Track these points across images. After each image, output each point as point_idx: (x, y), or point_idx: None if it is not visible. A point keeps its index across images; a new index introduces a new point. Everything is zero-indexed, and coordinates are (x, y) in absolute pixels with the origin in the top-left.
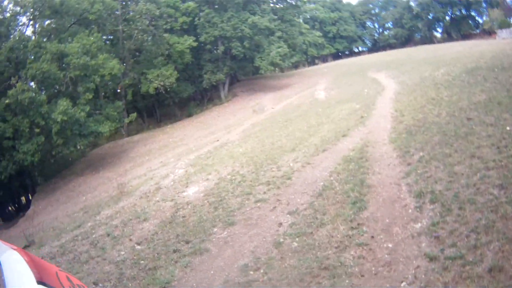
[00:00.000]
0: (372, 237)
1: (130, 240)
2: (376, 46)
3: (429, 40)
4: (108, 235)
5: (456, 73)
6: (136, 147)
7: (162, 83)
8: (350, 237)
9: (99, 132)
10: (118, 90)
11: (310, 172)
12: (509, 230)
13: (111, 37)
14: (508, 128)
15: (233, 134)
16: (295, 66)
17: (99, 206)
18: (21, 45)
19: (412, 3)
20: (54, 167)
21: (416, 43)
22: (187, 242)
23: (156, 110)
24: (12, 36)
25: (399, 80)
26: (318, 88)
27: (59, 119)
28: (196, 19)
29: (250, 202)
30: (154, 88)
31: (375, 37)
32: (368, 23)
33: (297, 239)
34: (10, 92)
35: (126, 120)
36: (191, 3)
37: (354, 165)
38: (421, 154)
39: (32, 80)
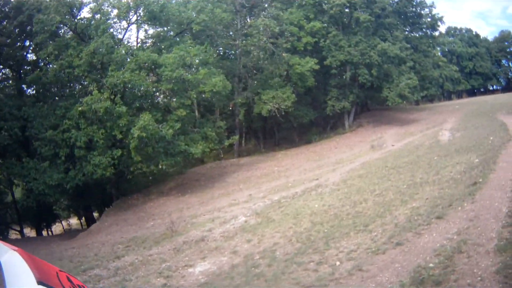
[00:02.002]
0: None
1: None
2: (510, 86)
3: None
4: None
5: None
6: (237, 171)
7: (277, 106)
8: None
9: (189, 152)
10: (230, 108)
11: None
12: None
13: (231, 52)
14: None
15: (336, 173)
16: (431, 99)
17: (144, 242)
18: (104, 50)
19: None
20: (144, 180)
21: None
22: None
23: (275, 132)
24: (95, 39)
25: None
26: (444, 128)
27: (136, 135)
28: (322, 40)
29: None
30: (267, 110)
31: (509, 76)
32: (503, 61)
33: None
34: (85, 99)
35: (226, 142)
36: (317, 23)
37: None
38: None
39: (111, 89)
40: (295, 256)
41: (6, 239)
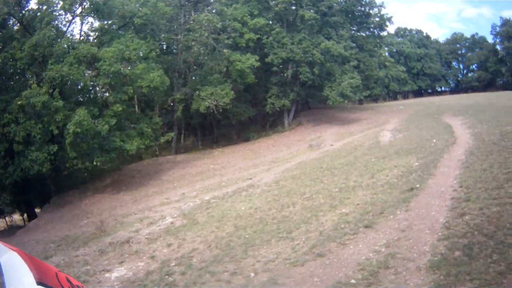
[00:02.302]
0: None
1: None
2: (459, 88)
3: (511, 86)
4: None
5: None
6: (173, 168)
7: (215, 103)
8: None
9: (124, 149)
10: (171, 104)
11: None
12: None
13: (173, 47)
14: None
15: (270, 173)
16: (375, 99)
17: (74, 241)
18: (46, 43)
19: (498, 47)
20: (81, 177)
21: (498, 88)
22: None
23: (214, 129)
24: (37, 32)
25: (475, 132)
26: (386, 128)
27: (71, 130)
28: (265, 37)
29: None
30: (205, 107)
31: (459, 78)
32: (454, 63)
33: None
34: (24, 93)
35: (162, 139)
36: (261, 20)
37: None
38: None
39: (50, 83)
40: (210, 265)
41: None
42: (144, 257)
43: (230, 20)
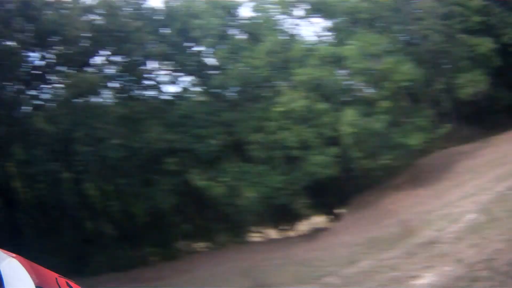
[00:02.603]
0: None
1: None
2: None
3: None
4: None
5: None
6: (461, 160)
7: (474, 89)
8: None
9: (407, 144)
10: (436, 95)
11: None
12: None
13: (413, 37)
14: None
15: None
16: None
17: (378, 244)
18: (280, 48)
19: None
20: (374, 176)
21: None
22: None
23: (480, 118)
24: (266, 38)
25: None
26: None
27: (346, 131)
28: (490, 19)
29: None
30: (466, 94)
31: None
32: None
33: None
34: (280, 99)
35: (440, 131)
36: (476, 1)
37: None
38: None
39: (303, 87)
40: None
41: (247, 243)
42: (449, 260)
43: (451, 4)
